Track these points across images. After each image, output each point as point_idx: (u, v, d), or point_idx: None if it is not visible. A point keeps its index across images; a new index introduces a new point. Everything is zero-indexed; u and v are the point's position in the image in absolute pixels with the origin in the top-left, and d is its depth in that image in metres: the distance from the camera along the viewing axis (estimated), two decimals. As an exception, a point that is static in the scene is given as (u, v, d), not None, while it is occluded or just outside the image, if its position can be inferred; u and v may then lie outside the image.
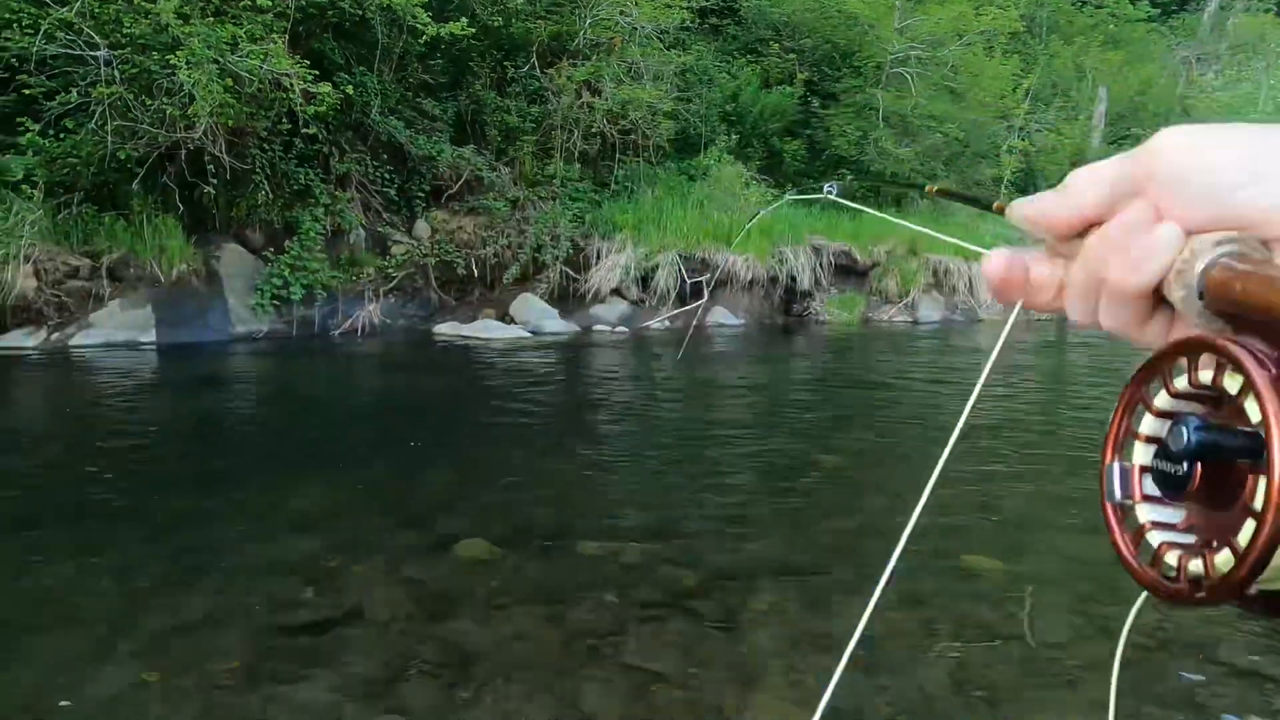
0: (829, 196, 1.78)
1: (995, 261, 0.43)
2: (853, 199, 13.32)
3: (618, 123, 11.01)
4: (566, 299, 10.61)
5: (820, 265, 12.01)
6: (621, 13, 11.17)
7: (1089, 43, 17.08)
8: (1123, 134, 15.81)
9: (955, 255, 12.47)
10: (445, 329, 9.24)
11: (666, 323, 10.56)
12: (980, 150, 14.93)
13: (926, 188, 1.33)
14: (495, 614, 2.51)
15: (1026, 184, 15.69)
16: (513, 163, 10.62)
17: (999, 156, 14.66)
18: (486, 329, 9.18)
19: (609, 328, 10.08)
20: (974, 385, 0.51)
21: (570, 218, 10.51)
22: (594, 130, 10.87)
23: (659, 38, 11.84)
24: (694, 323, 9.98)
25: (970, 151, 14.80)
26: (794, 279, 11.69)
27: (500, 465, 4.08)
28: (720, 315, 10.94)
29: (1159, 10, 19.86)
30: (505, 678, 2.14)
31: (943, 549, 2.99)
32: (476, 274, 10.15)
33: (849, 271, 12.37)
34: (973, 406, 0.46)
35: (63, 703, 1.98)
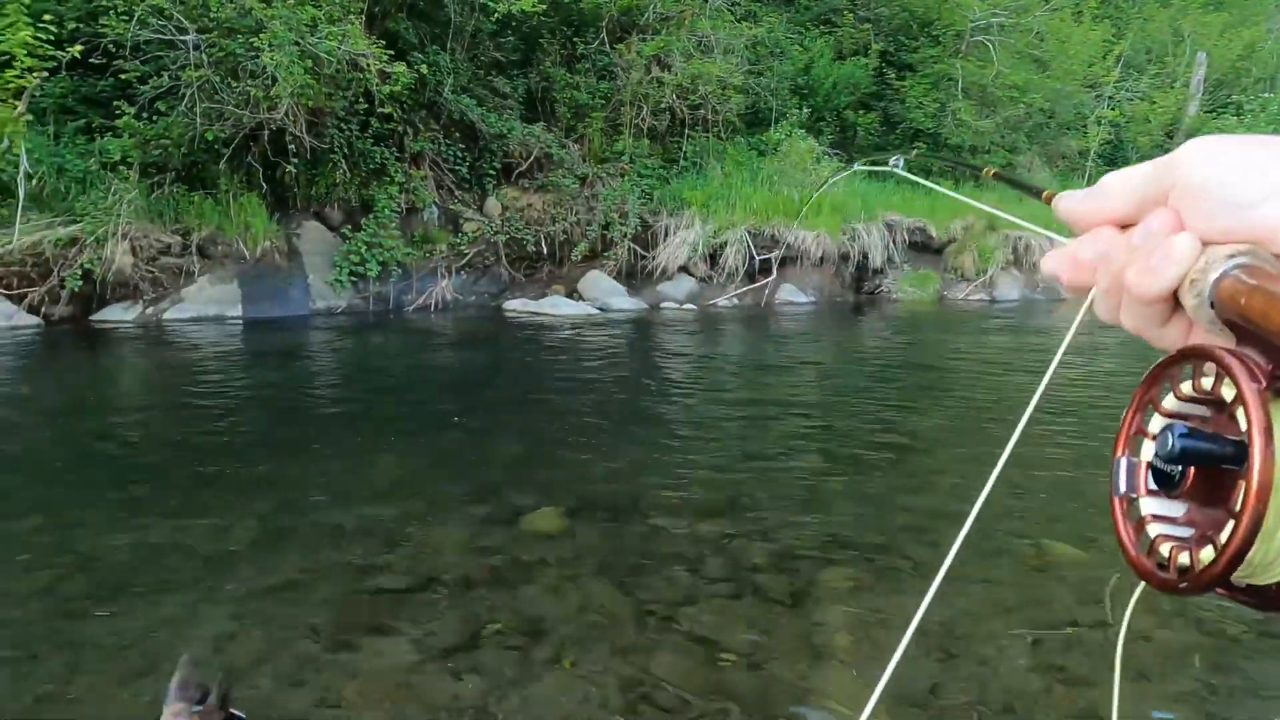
0: (895, 170, 1.73)
1: (1049, 261, 0.45)
2: (926, 174, 12.95)
3: (687, 98, 10.90)
4: (634, 276, 10.62)
5: (894, 242, 11.72)
6: (695, -16, 11.03)
7: (1188, 5, 16.09)
8: (1224, 102, 14.90)
9: (1037, 234, 11.98)
10: (515, 305, 9.37)
11: (735, 300, 10.48)
12: (1066, 121, 14.28)
13: (984, 170, 1.28)
14: (566, 584, 2.55)
15: (1115, 156, 14.95)
16: (582, 139, 10.64)
17: (1085, 128, 13.99)
18: (555, 305, 9.27)
19: (676, 305, 10.06)
20: (1048, 366, 0.50)
21: (639, 194, 10.49)
22: (663, 106, 10.79)
23: (729, 9, 11.67)
24: (763, 299, 9.87)
25: (1055, 123, 14.17)
26: (866, 256, 11.44)
27: (569, 439, 4.13)
28: (789, 293, 10.79)
29: (1267, -32, 18.58)
30: (577, 645, 2.18)
31: (1019, 531, 2.91)
32: (546, 251, 10.24)
33: (924, 248, 12.03)
34: (1044, 390, 0.46)
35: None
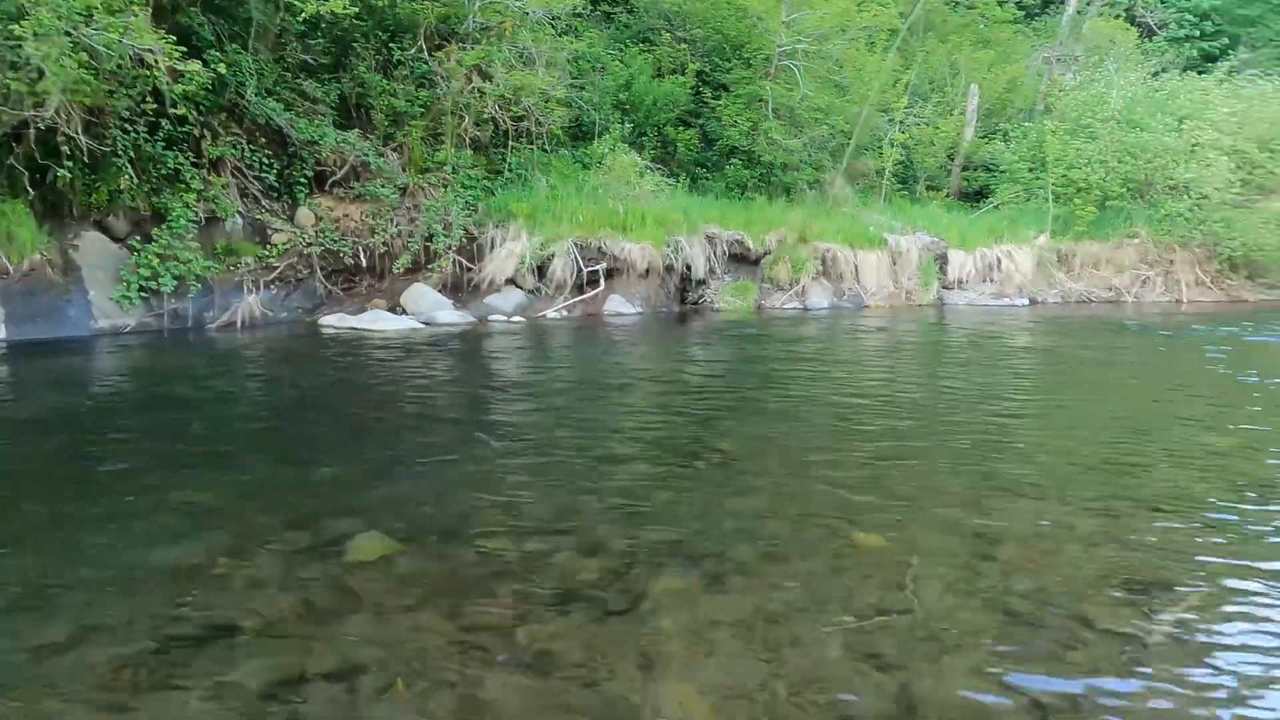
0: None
1: None
2: (743, 189, 13.55)
3: (510, 109, 10.83)
4: (460, 289, 10.40)
5: (714, 254, 12.21)
6: (512, -3, 10.98)
7: (962, 42, 17.96)
8: (993, 129, 16.71)
9: (842, 243, 12.89)
10: (332, 320, 8.89)
11: (564, 312, 10.50)
12: (864, 143, 15.48)
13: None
14: (392, 613, 2.43)
15: (906, 175, 16.41)
16: (401, 148, 10.29)
17: (881, 149, 15.24)
18: (376, 320, 8.88)
19: (505, 317, 9.94)
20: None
21: (463, 205, 10.29)
22: (486, 116, 10.64)
23: (550, 24, 11.71)
24: (592, 311, 9.95)
25: (855, 144, 15.34)
26: (689, 267, 11.84)
27: (394, 460, 3.96)
28: (617, 304, 10.96)
29: (1024, 13, 21.12)
30: (406, 677, 2.07)
31: (830, 524, 3.10)
32: (365, 263, 9.80)
33: (742, 259, 12.61)
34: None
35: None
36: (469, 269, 10.43)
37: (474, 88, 10.54)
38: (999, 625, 2.34)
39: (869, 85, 14.80)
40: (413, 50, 10.46)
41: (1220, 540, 3.03)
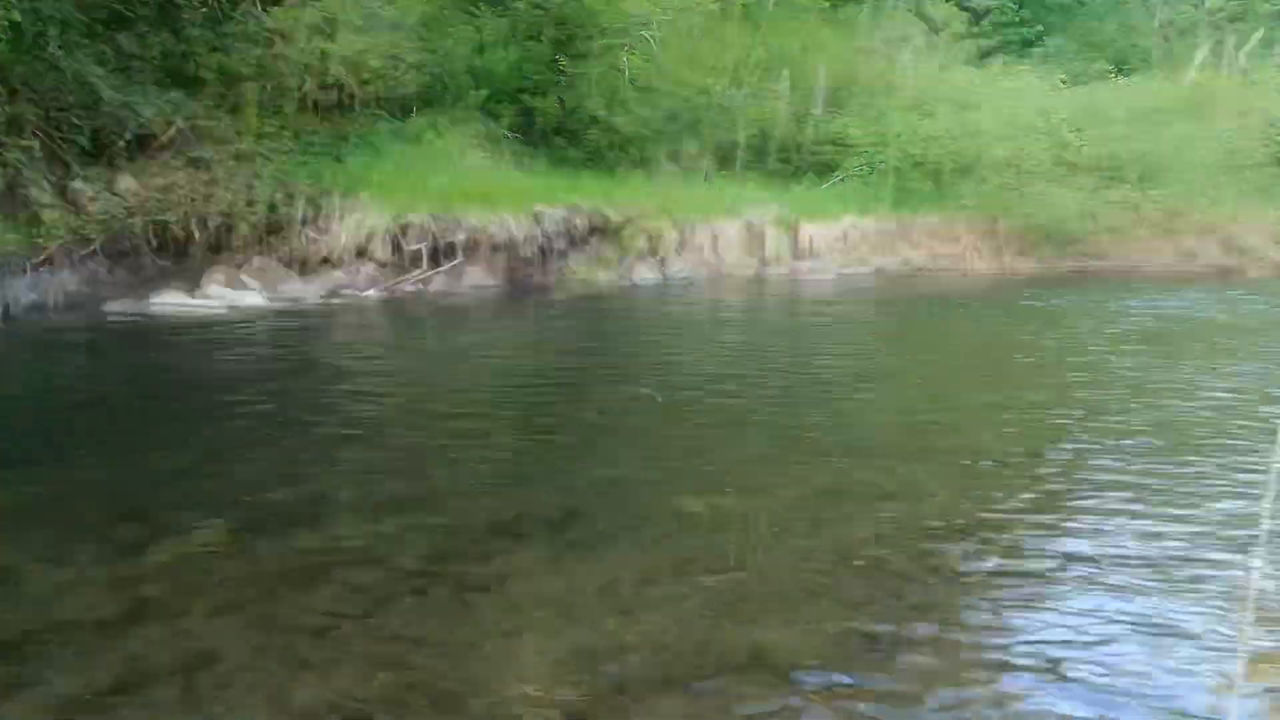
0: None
1: None
2: (603, 160, 13.53)
3: (357, 72, 10.31)
4: (307, 261, 9.86)
5: (575, 225, 12.16)
6: (353, -48, 10.40)
7: (809, 20, 18.59)
8: (839, 106, 17.45)
9: (700, 215, 13.16)
10: (165, 298, 8.21)
11: (419, 285, 10.18)
12: (718, 116, 15.79)
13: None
14: (236, 605, 2.31)
15: (762, 148, 16.90)
16: (236, 111, 9.58)
17: (736, 123, 15.60)
18: (214, 296, 8.30)
19: (357, 291, 9.52)
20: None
21: (308, 174, 9.72)
22: (330, 79, 10.08)
23: (398, -17, 11.20)
24: (449, 284, 9.70)
25: (712, 116, 15.62)
26: (548, 239, 11.74)
27: (237, 446, 3.74)
28: (475, 277, 10.73)
29: (864, -6, 22.07)
30: (250, 671, 1.98)
31: (693, 490, 3.21)
32: (199, 236, 9.11)
33: (602, 231, 12.63)
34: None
35: None
36: (317, 240, 9.90)
37: (316, 48, 9.95)
38: (837, 575, 2.50)
39: (724, 58, 15.09)
40: (244, 5, 9.72)
41: (1011, 487, 3.37)
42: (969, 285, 12.68)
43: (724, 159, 15.82)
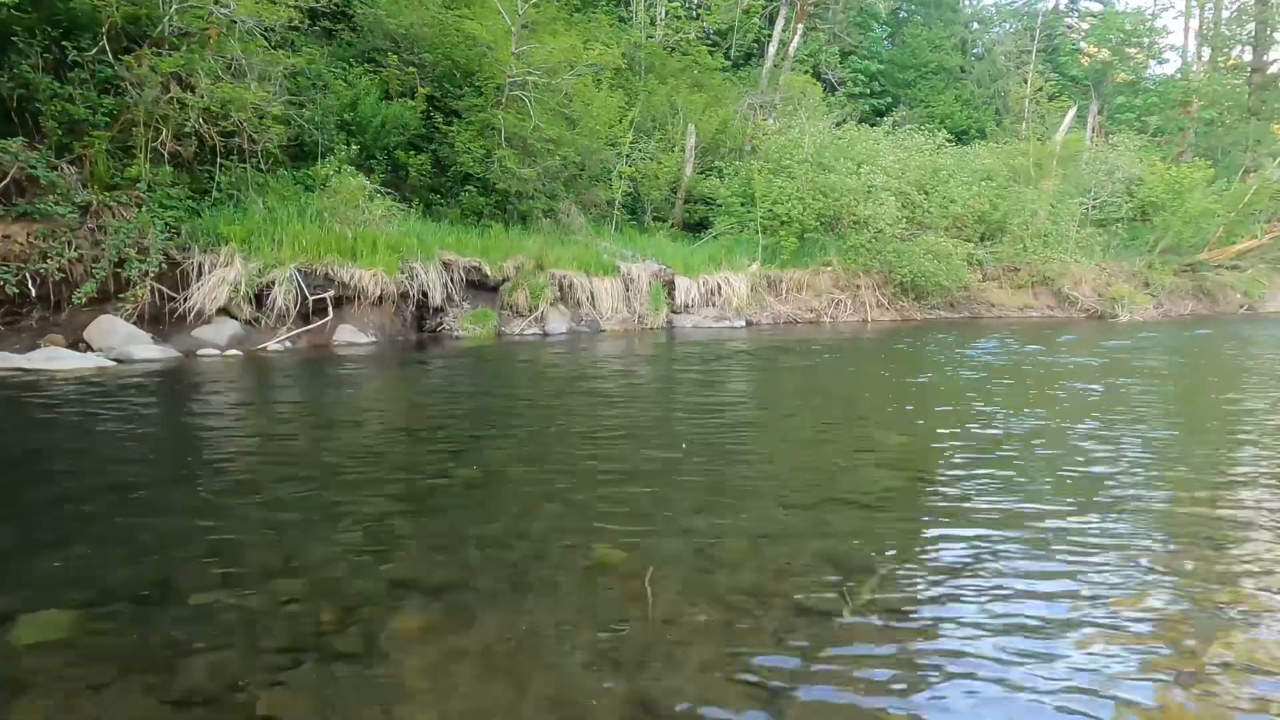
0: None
1: None
2: (479, 216, 13.51)
3: (218, 123, 9.91)
4: (162, 321, 9.28)
5: (452, 280, 12.02)
6: (217, 2, 10.08)
7: (680, 85, 19.43)
8: (710, 166, 18.20)
9: (578, 270, 13.30)
10: (-9, 361, 7.49)
11: (287, 343, 9.75)
12: (595, 174, 16.15)
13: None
14: (78, 697, 2.08)
15: (635, 206, 17.36)
16: (80, 161, 8.99)
17: (610, 181, 15.98)
18: (53, 359, 7.65)
19: (217, 351, 9.01)
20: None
21: (162, 227, 9.20)
22: (188, 130, 9.64)
23: (263, 35, 10.91)
24: (320, 341, 9.31)
25: (586, 175, 15.94)
26: (425, 294, 11.55)
27: (79, 522, 3.41)
28: (348, 333, 10.40)
29: (731, 63, 23.34)
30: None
31: (577, 546, 3.17)
32: (35, 293, 8.40)
33: (480, 286, 12.55)
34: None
35: None
36: (172, 298, 9.34)
37: (172, 98, 9.51)
38: (724, 620, 2.52)
39: (597, 120, 15.48)
40: (93, 51, 9.21)
41: (900, 523, 3.53)
42: (836, 335, 13.33)
43: (601, 216, 16.13)
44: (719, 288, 15.11)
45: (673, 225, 17.72)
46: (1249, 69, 31.16)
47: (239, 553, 3.05)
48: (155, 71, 9.31)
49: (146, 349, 8.46)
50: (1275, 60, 31.64)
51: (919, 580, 2.87)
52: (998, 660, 2.32)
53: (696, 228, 17.80)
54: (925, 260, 16.25)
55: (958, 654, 2.35)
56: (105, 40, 9.30)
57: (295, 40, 12.16)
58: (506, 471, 4.35)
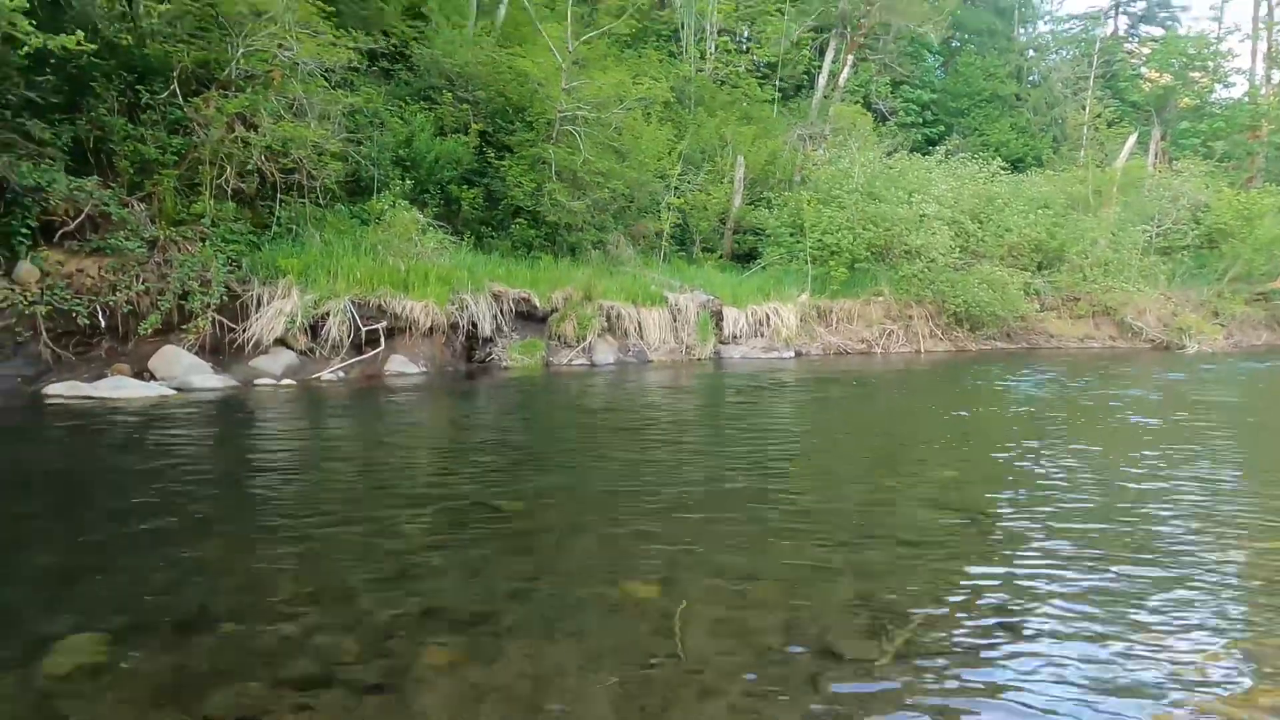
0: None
1: None
2: (529, 248, 13.69)
3: (278, 161, 10.28)
4: (222, 351, 9.57)
5: (501, 311, 12.18)
6: (280, 46, 10.52)
7: (729, 117, 19.53)
8: (759, 196, 18.19)
9: (626, 301, 13.35)
10: (61, 389, 7.81)
11: (340, 373, 9.96)
12: (644, 205, 16.27)
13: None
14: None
15: (684, 237, 17.42)
16: (150, 198, 9.39)
17: (659, 212, 16.07)
18: (118, 388, 7.93)
19: (274, 381, 9.24)
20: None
21: (224, 261, 9.53)
22: (250, 167, 10.02)
23: (324, 76, 11.32)
24: (372, 372, 9.49)
25: (635, 206, 16.07)
26: (475, 325, 11.71)
27: (126, 547, 3.50)
28: (399, 364, 10.57)
29: (780, 94, 23.40)
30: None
31: (609, 581, 3.13)
32: (105, 324, 8.76)
33: (529, 317, 12.68)
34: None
35: None
36: (232, 329, 9.64)
37: (236, 137, 9.91)
38: (754, 662, 2.45)
39: (646, 153, 15.63)
40: (164, 94, 9.66)
41: (941, 564, 3.41)
42: (887, 366, 13.09)
43: (649, 247, 16.22)
44: (767, 318, 14.99)
45: (721, 256, 17.72)
46: (1321, 91, 30.02)
47: (275, 581, 3.09)
48: (221, 112, 9.73)
49: (206, 378, 8.73)
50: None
51: (959, 625, 2.76)
52: (1038, 709, 2.20)
53: (745, 258, 17.76)
54: (980, 290, 15.91)
55: (997, 702, 2.24)
56: (176, 84, 9.76)
57: (354, 80, 12.58)
58: (545, 503, 4.34)
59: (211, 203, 9.72)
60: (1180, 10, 33.24)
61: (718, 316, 14.51)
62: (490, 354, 12.04)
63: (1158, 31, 32.42)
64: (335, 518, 3.97)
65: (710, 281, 15.18)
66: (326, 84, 11.26)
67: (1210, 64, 27.48)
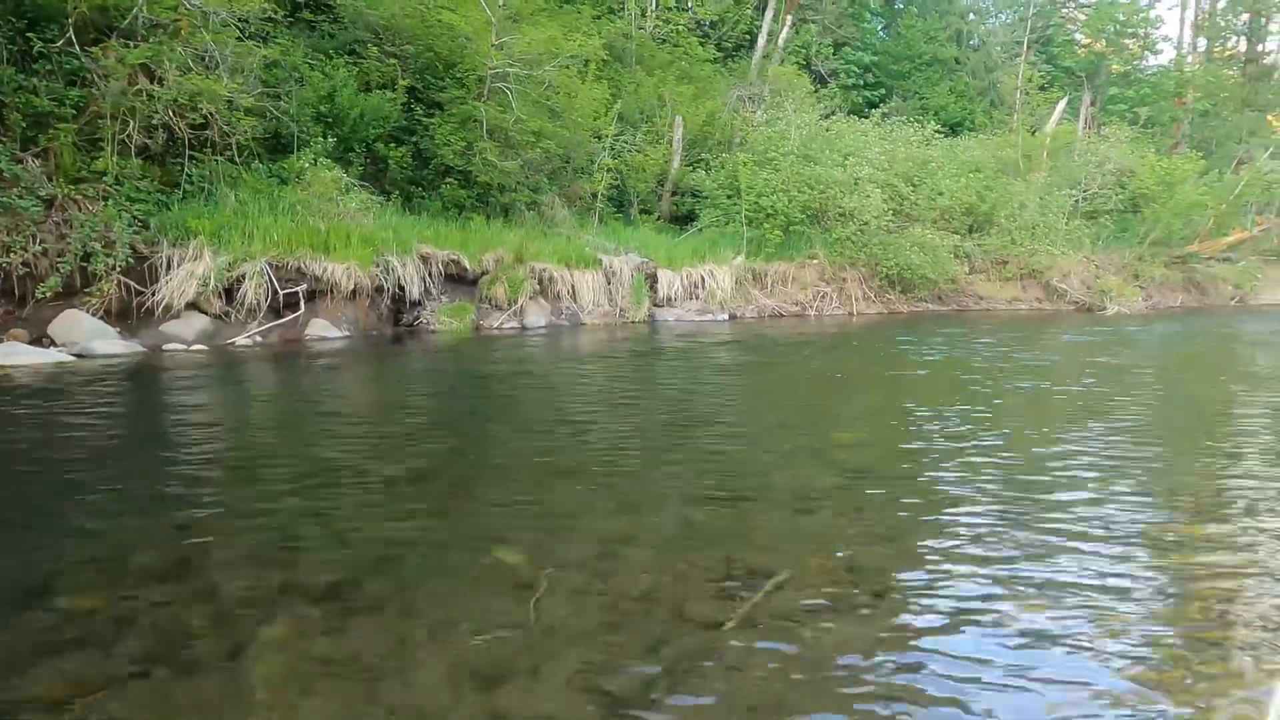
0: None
1: None
2: (460, 209, 13.41)
3: (187, 116, 9.83)
4: (130, 316, 9.23)
5: (430, 274, 11.95)
6: (188, -7, 10.00)
7: (667, 76, 19.28)
8: (697, 158, 18.08)
9: (559, 264, 13.22)
10: (-51, 356, 7.45)
11: (257, 338, 9.70)
12: (580, 166, 16.04)
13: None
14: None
15: (621, 199, 17.26)
16: (46, 154, 8.93)
17: (594, 173, 15.87)
18: (11, 354, 7.60)
19: (184, 346, 8.96)
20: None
21: (129, 220, 9.14)
22: (156, 122, 9.57)
23: (239, 26, 10.81)
24: (292, 335, 9.23)
25: (570, 167, 15.84)
26: (402, 288, 11.48)
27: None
28: (320, 328, 10.34)
29: (721, 54, 23.17)
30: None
31: (480, 548, 3.12)
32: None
33: (459, 280, 12.49)
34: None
35: None
36: (140, 293, 9.28)
37: (140, 90, 9.44)
38: (603, 628, 2.47)
39: (581, 112, 15.37)
40: (60, 42, 9.14)
41: (814, 524, 3.47)
42: (819, 329, 13.25)
43: (585, 209, 16.04)
44: (702, 281, 15.02)
45: (660, 218, 17.62)
46: (1243, 60, 30.95)
47: (131, 554, 2.99)
48: (123, 63, 9.24)
49: (111, 344, 8.41)
50: (1270, 51, 31.48)
51: (818, 588, 2.81)
52: (875, 678, 2.26)
53: (684, 220, 17.69)
54: (911, 253, 16.15)
55: (834, 666, 2.29)
56: (72, 31, 9.22)
57: (271, 32, 12.05)
58: (437, 469, 4.30)
59: (115, 159, 9.29)
60: (1116, -24, 33.65)
61: (652, 279, 14.48)
62: (418, 317, 11.85)
63: (1093, -3, 32.85)
64: (211, 489, 3.87)
65: (646, 243, 15.10)
66: (240, 35, 10.76)
67: (1140, 31, 28.03)
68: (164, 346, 8.86)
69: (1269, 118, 27.67)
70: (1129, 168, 20.71)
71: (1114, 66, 27.87)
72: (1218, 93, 28.36)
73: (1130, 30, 27.63)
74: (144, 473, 4.14)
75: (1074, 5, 30.76)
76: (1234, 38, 31.92)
